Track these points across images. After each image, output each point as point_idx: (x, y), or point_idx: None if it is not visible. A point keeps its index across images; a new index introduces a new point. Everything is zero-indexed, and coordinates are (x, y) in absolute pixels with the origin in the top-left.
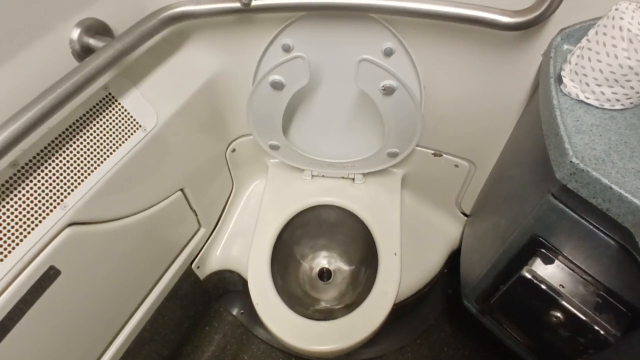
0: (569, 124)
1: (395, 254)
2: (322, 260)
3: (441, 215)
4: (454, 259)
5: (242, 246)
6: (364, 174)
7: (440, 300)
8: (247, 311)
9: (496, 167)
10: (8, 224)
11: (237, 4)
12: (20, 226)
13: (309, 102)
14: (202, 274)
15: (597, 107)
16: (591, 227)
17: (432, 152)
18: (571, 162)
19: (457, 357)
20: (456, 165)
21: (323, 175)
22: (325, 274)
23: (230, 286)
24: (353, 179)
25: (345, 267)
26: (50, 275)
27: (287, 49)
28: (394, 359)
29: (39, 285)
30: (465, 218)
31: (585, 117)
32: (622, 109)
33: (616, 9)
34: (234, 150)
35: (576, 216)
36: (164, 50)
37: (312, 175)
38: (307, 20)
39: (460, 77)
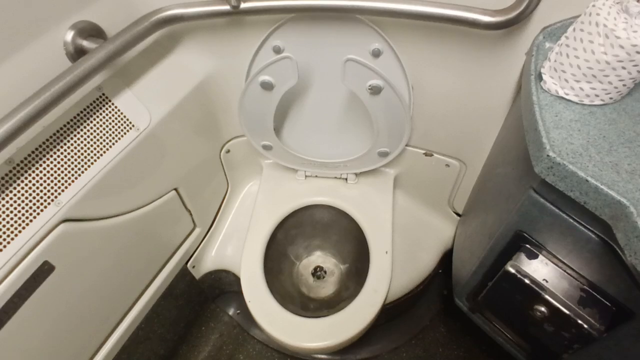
0: (547, 120)
1: (386, 252)
2: (316, 259)
3: (434, 215)
4: (448, 260)
5: (238, 247)
6: (356, 174)
7: (435, 300)
8: (243, 311)
9: (485, 166)
10: (3, 219)
11: (227, 7)
12: (15, 222)
13: (301, 103)
14: (197, 273)
15: (576, 103)
16: (572, 221)
17: (423, 151)
18: (548, 155)
19: (452, 357)
20: (447, 165)
21: (316, 176)
22: (318, 273)
23: (226, 286)
24: (346, 179)
25: (338, 266)
26: (44, 270)
27: (277, 50)
28: (388, 359)
29: (33, 279)
30: (458, 218)
31: (564, 112)
32: (601, 105)
33: (593, 6)
34: (228, 151)
35: (557, 210)
36: (157, 52)
37: (306, 176)
38: (296, 22)
39: (448, 77)
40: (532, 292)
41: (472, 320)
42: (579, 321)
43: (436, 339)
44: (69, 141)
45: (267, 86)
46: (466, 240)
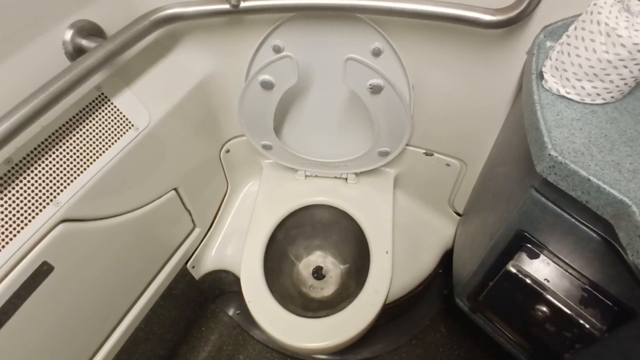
0: (549, 119)
1: (386, 252)
2: (316, 259)
3: (434, 215)
4: (449, 260)
5: (237, 247)
6: (357, 174)
7: (436, 300)
8: (243, 312)
9: (486, 166)
10: (2, 219)
11: (226, 6)
12: (14, 222)
13: (301, 102)
14: (197, 274)
15: (578, 102)
16: (573, 220)
17: (424, 151)
18: (550, 155)
19: (453, 357)
20: (447, 165)
21: (316, 176)
22: (318, 273)
23: (225, 287)
24: (346, 179)
25: (338, 266)
26: (43, 271)
27: (277, 50)
28: (389, 359)
29: (32, 280)
30: (459, 217)
31: (566, 111)
32: (603, 103)
33: (594, 4)
34: (228, 151)
35: (558, 210)
36: (156, 52)
37: (306, 176)
38: (296, 22)
39: (448, 76)
40: (533, 292)
41: (472, 320)
42: (581, 321)
43: (437, 339)
44: (68, 141)
45: (267, 85)
46: (467, 240)
